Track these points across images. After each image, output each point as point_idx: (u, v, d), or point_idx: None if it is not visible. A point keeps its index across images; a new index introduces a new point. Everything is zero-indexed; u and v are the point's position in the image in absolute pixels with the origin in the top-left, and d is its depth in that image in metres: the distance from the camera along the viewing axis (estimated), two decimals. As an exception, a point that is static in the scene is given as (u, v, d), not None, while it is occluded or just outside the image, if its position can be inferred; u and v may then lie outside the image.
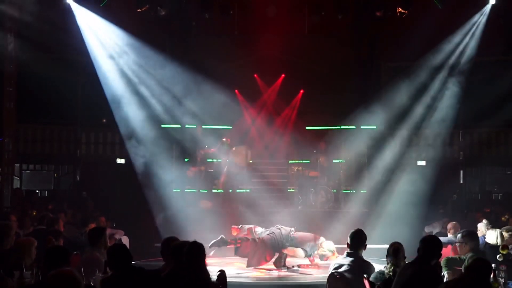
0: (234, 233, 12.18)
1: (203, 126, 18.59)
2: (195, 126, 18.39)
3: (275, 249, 11.61)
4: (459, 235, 8.08)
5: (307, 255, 11.63)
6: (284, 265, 11.75)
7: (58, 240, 9.21)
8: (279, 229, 11.68)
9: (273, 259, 11.78)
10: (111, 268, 6.42)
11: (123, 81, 18.04)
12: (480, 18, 17.52)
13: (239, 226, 12.28)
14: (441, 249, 6.63)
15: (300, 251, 11.60)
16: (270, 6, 18.71)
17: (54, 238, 9.11)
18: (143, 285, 6.19)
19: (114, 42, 17.91)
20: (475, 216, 14.77)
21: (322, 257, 11.53)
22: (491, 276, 6.27)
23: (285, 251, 11.67)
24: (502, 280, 7.03)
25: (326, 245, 11.45)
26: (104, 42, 17.86)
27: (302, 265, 11.93)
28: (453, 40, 17.93)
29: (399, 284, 6.39)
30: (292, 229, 11.78)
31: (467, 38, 17.81)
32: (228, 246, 11.74)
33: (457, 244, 7.98)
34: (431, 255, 6.47)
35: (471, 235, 7.98)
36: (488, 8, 17.31)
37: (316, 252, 11.64)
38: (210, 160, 17.96)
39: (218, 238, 11.50)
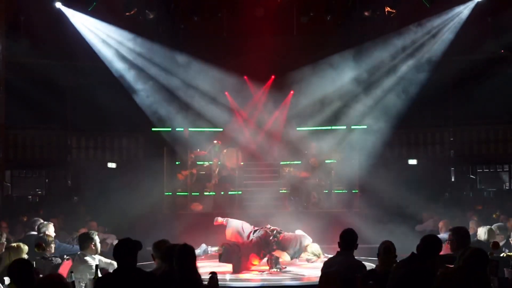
0: (216, 224, 12.19)
1: (195, 129, 18.60)
2: (182, 129, 18.44)
3: (260, 252, 11.53)
4: (449, 232, 8.09)
5: (292, 258, 11.57)
6: (277, 266, 11.71)
7: (49, 245, 9.17)
8: (266, 231, 11.62)
9: (264, 261, 11.73)
10: (117, 260, 6.29)
11: (118, 83, 18.15)
12: (463, 10, 17.67)
13: (225, 220, 12.22)
14: (440, 250, 6.62)
15: (284, 254, 11.54)
16: (258, 7, 18.73)
17: (45, 244, 9.08)
18: (139, 285, 6.10)
19: (109, 46, 18.04)
20: (466, 214, 14.82)
21: (308, 260, 11.48)
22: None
23: (273, 253, 11.61)
24: (494, 277, 7.05)
25: (311, 248, 11.38)
26: (101, 45, 17.99)
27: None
28: (432, 31, 18.15)
29: (394, 281, 6.38)
30: (277, 230, 11.69)
31: (447, 28, 18.00)
32: (209, 255, 11.65)
33: (448, 241, 7.98)
34: (429, 254, 6.46)
35: (461, 232, 7.98)
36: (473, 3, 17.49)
37: (301, 255, 11.58)
38: (201, 162, 17.97)
39: (200, 248, 11.44)
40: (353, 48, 18.69)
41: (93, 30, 17.97)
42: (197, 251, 10.96)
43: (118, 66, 18.26)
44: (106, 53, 18.23)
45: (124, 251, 6.17)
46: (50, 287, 4.89)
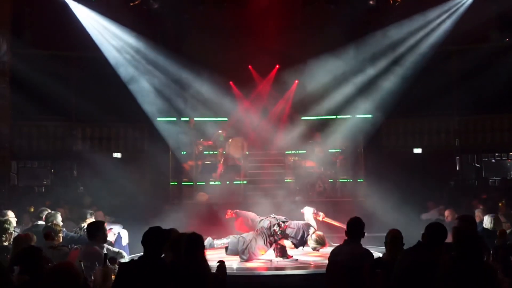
0: (228, 217, 12.23)
1: (200, 119, 18.62)
2: (188, 119, 18.46)
3: (266, 243, 11.56)
4: (456, 220, 8.11)
5: (297, 247, 11.57)
6: (284, 255, 11.76)
7: (56, 235, 9.22)
8: (271, 221, 11.64)
9: (271, 250, 11.76)
10: (144, 247, 6.32)
11: (123, 74, 18.17)
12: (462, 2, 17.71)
13: (235, 211, 12.27)
14: (445, 238, 6.64)
15: (289, 243, 11.56)
16: (263, -3, 18.68)
17: (54, 233, 9.13)
18: (158, 275, 6.11)
19: (113, 36, 18.04)
20: (472, 203, 14.84)
21: (314, 249, 11.48)
22: (490, 257, 6.31)
23: (279, 242, 11.64)
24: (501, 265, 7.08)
25: (316, 236, 11.38)
26: (106, 36, 18.00)
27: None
28: (434, 20, 18.15)
29: (400, 269, 6.40)
30: (282, 219, 11.71)
31: (447, 17, 18.00)
32: (215, 248, 11.66)
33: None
34: (436, 242, 6.49)
35: (468, 220, 8.01)
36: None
37: (307, 244, 11.57)
38: (207, 152, 18.00)
39: (205, 241, 11.44)
40: (357, 38, 18.70)
41: (95, 24, 17.97)
42: None
43: (121, 58, 18.27)
44: (108, 46, 18.24)
45: (151, 239, 6.21)
46: (61, 275, 4.92)
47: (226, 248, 11.44)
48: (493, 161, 20.34)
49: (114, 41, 18.16)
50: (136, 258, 6.48)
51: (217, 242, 11.58)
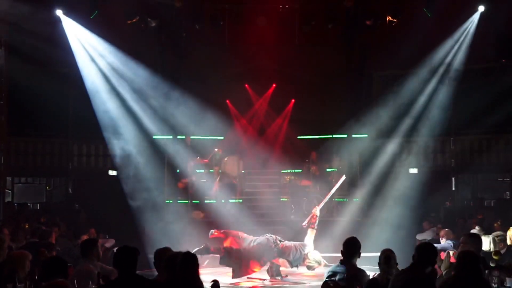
0: (212, 237, 12.13)
1: (195, 137, 18.60)
2: (184, 137, 18.43)
3: (261, 259, 11.55)
4: (463, 236, 8.12)
5: (292, 266, 11.54)
6: (278, 274, 11.72)
7: (51, 252, 9.18)
8: (267, 238, 11.63)
9: (265, 268, 11.74)
10: (117, 268, 6.26)
11: (113, 94, 18.09)
12: (469, 26, 17.69)
13: (222, 231, 12.21)
14: (436, 257, 6.63)
15: (285, 262, 11.54)
16: (260, 16, 18.73)
17: (47, 251, 9.08)
18: None
19: (103, 57, 17.97)
20: (468, 223, 14.81)
21: (309, 268, 11.45)
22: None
23: (273, 261, 11.62)
24: (495, 286, 7.06)
25: (312, 256, 11.36)
26: (93, 56, 17.93)
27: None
28: (442, 48, 18.11)
29: (394, 290, 6.39)
30: (277, 238, 11.70)
31: (456, 47, 18.00)
32: (211, 255, 11.63)
33: (461, 244, 8.01)
34: (426, 262, 6.47)
35: (475, 237, 8.02)
36: (477, 16, 17.48)
37: (302, 263, 11.55)
38: (201, 170, 17.96)
39: (201, 246, 11.43)
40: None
41: (87, 42, 17.88)
42: (197, 249, 11.00)
43: (112, 79, 18.23)
44: (101, 66, 18.19)
45: (124, 258, 6.17)
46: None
47: (221, 258, 11.43)
48: (489, 181, 20.33)
49: (105, 61, 18.07)
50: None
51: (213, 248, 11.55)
